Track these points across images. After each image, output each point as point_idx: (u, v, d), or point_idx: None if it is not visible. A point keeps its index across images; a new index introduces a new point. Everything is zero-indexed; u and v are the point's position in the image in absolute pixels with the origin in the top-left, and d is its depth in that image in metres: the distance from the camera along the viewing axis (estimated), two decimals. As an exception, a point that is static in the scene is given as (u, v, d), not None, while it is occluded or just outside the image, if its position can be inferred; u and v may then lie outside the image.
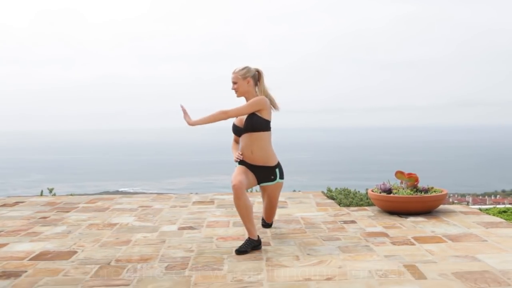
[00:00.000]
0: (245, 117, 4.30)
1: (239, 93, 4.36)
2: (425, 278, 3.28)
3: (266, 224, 4.82)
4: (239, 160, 4.34)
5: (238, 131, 4.38)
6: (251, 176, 4.29)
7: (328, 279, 3.30)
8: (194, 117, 4.24)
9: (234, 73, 4.34)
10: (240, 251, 3.96)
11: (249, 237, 4.09)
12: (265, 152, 4.30)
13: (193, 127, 4.25)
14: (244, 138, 4.32)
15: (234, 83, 4.34)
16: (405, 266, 3.54)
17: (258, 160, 4.29)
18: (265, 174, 4.34)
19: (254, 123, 4.23)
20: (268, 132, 4.32)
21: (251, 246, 4.03)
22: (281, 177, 4.44)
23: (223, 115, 4.20)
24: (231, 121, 4.44)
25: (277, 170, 4.38)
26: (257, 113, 4.24)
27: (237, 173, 4.19)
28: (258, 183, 4.39)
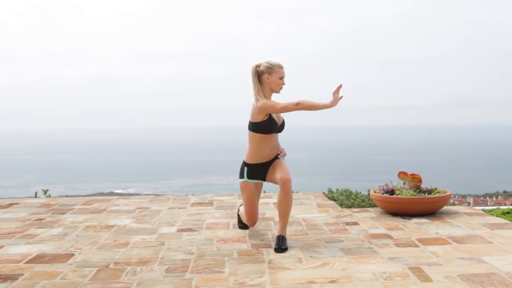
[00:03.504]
0: (281, 117, 4.38)
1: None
2: (430, 280, 3.21)
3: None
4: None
5: (274, 128, 4.31)
6: (260, 187, 4.52)
7: (332, 281, 3.22)
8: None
9: (283, 67, 4.32)
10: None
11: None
12: (278, 147, 4.47)
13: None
14: (271, 137, 4.33)
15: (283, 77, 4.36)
16: (410, 268, 3.47)
17: (273, 155, 4.42)
18: (273, 159, 4.44)
19: (284, 126, 4.44)
20: None
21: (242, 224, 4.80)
22: None
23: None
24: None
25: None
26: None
27: (253, 210, 4.46)
28: (267, 173, 4.42)
